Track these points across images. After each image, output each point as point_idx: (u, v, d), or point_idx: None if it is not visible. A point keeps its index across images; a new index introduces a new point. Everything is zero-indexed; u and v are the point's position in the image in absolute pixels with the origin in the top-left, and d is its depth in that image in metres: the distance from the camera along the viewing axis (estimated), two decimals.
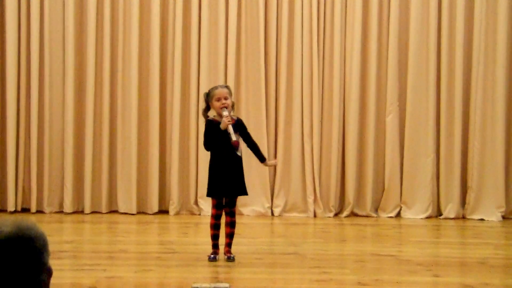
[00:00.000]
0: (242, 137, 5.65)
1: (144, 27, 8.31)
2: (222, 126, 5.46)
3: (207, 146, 5.61)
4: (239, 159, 5.59)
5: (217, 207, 5.65)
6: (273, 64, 8.38)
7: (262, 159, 5.77)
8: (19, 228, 1.73)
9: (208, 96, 5.62)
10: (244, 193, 5.69)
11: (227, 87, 5.68)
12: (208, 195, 5.70)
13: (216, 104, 5.55)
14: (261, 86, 8.30)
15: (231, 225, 5.68)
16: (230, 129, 5.44)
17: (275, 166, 5.77)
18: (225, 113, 5.46)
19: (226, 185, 5.57)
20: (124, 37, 8.30)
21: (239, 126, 5.63)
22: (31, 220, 1.77)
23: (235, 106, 5.86)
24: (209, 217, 5.78)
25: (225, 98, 5.54)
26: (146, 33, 8.32)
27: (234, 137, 5.43)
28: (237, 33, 8.33)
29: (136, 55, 8.26)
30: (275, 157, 8.28)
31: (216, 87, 5.67)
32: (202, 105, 5.75)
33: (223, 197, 5.63)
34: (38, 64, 8.22)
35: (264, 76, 8.31)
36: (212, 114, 5.69)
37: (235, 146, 5.51)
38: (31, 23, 8.19)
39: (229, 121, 5.45)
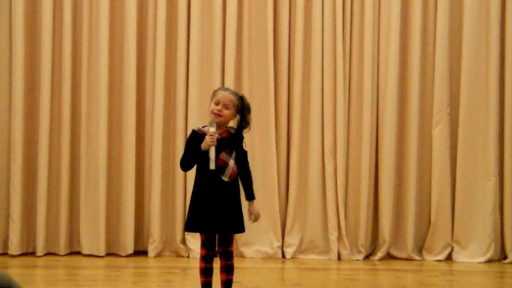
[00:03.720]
0: (236, 159, 5.46)
1: (117, 8, 8.34)
2: (202, 146, 5.29)
3: (183, 164, 5.45)
4: (228, 184, 5.36)
5: (207, 246, 5.38)
6: (285, 62, 8.38)
7: (249, 196, 5.52)
8: None
9: (213, 96, 5.48)
10: (237, 229, 5.43)
11: (240, 96, 5.49)
12: (186, 229, 5.50)
13: (212, 107, 5.39)
14: (269, 87, 8.29)
15: (227, 270, 5.42)
16: (212, 153, 5.25)
17: (254, 216, 5.47)
18: (212, 129, 5.29)
19: (209, 217, 5.33)
20: (90, 21, 8.26)
21: (234, 144, 5.42)
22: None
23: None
24: (199, 259, 5.54)
25: (225, 106, 5.34)
26: (119, 17, 8.31)
27: (212, 165, 5.23)
28: (238, 20, 8.34)
29: (105, 48, 8.18)
30: (288, 181, 8.31)
31: (225, 89, 5.53)
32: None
33: (211, 233, 5.39)
34: None
35: (273, 77, 8.30)
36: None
37: (220, 168, 5.31)
38: None
39: (212, 141, 5.26)
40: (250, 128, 5.60)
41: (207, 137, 5.27)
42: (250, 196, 5.49)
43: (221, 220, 5.33)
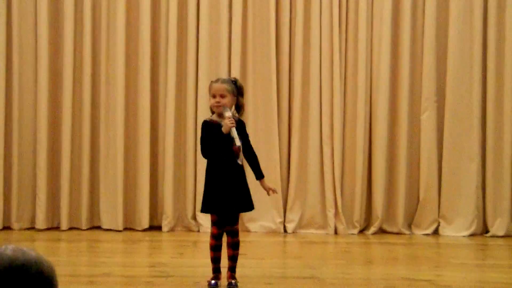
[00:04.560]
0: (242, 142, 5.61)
1: (132, 7, 8.40)
2: (224, 129, 5.44)
3: (204, 153, 5.60)
4: (240, 168, 5.57)
5: (218, 225, 5.62)
6: (286, 53, 8.45)
7: (259, 175, 5.70)
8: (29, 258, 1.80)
9: (209, 89, 5.66)
10: (248, 208, 5.68)
11: (233, 81, 5.65)
12: (203, 210, 5.70)
13: (211, 100, 5.57)
14: (272, 76, 8.36)
15: (234, 246, 5.66)
16: (234, 133, 5.44)
17: (271, 190, 5.65)
18: (228, 113, 5.45)
19: (225, 199, 5.53)
20: (108, 18, 8.36)
21: (240, 129, 5.59)
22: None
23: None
24: (209, 234, 5.76)
25: (222, 96, 5.52)
26: (134, 15, 8.39)
27: (238, 142, 5.44)
28: (243, 18, 8.41)
29: (122, 42, 8.31)
30: (289, 162, 8.40)
31: (216, 80, 5.67)
32: (204, 101, 5.74)
33: (224, 213, 5.59)
34: (5, 56, 8.29)
35: (276, 66, 8.38)
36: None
37: (237, 153, 5.51)
38: None
39: (232, 123, 5.43)
40: (244, 111, 5.70)
41: (226, 121, 5.40)
42: (260, 175, 5.66)
43: (234, 201, 5.52)
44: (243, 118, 5.79)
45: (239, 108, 5.65)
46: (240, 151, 5.53)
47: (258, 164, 5.69)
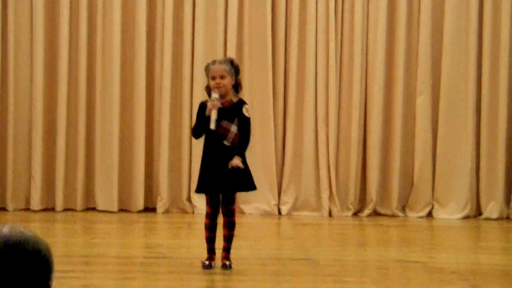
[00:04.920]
0: (237, 124, 5.62)
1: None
2: (206, 112, 5.50)
3: (193, 132, 5.73)
4: (230, 148, 5.57)
5: (211, 205, 5.67)
6: (282, 37, 8.47)
7: (236, 152, 5.60)
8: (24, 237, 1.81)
9: (206, 71, 5.68)
10: (245, 188, 5.74)
11: (230, 61, 5.69)
12: (197, 190, 5.80)
13: (211, 82, 5.59)
14: (268, 62, 8.38)
15: (229, 226, 5.69)
16: (213, 115, 5.45)
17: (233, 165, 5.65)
18: (214, 95, 5.49)
19: (216, 178, 5.57)
20: (104, 5, 8.37)
21: (236, 111, 5.61)
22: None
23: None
24: (204, 216, 5.81)
25: (221, 77, 5.55)
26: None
27: (212, 125, 5.44)
28: (239, 5, 8.43)
29: (118, 23, 8.32)
30: (284, 145, 8.46)
31: (213, 62, 5.70)
32: (199, 83, 5.77)
33: (215, 193, 5.64)
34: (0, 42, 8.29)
35: (271, 51, 8.40)
36: None
37: (223, 135, 5.52)
38: None
39: (213, 105, 5.46)
40: (242, 88, 5.74)
41: (208, 103, 5.49)
42: (237, 152, 5.54)
43: (224, 181, 5.55)
44: (242, 96, 5.81)
45: (237, 86, 5.69)
46: (227, 132, 5.54)
47: (243, 146, 5.64)
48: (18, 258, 1.77)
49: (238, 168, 5.54)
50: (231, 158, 5.52)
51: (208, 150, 5.62)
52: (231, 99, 5.62)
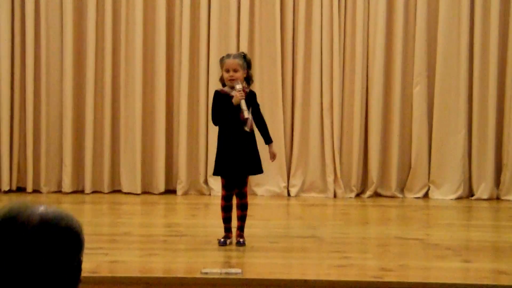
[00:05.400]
0: (252, 112, 5.61)
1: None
2: (234, 100, 5.46)
3: (215, 120, 5.63)
4: (249, 135, 5.58)
5: (227, 188, 5.67)
6: (290, 32, 8.45)
7: (268, 140, 5.72)
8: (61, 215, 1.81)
9: (221, 64, 5.65)
10: (256, 171, 5.71)
11: (243, 56, 5.66)
12: (214, 173, 5.77)
13: (225, 75, 5.57)
14: (277, 55, 8.38)
15: (242, 207, 5.70)
16: (243, 105, 5.45)
17: (273, 156, 5.69)
18: (238, 86, 5.46)
19: (233, 163, 5.56)
20: (128, 1, 8.38)
21: (250, 100, 5.61)
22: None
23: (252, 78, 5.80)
24: (220, 197, 5.82)
25: (235, 70, 5.53)
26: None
27: (246, 114, 5.45)
28: (250, 1, 8.42)
29: (140, 21, 8.33)
30: (292, 132, 8.45)
31: (228, 56, 5.67)
32: (215, 74, 5.75)
33: (232, 176, 5.63)
34: (33, 34, 8.30)
35: (280, 44, 8.40)
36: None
37: (244, 121, 5.51)
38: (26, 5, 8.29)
39: (241, 95, 5.45)
40: (253, 81, 5.72)
41: (236, 93, 5.43)
42: (268, 140, 5.67)
43: (241, 165, 5.55)
44: (252, 88, 5.80)
45: (249, 79, 5.66)
46: (248, 120, 5.52)
47: (267, 130, 5.71)
48: (52, 233, 1.77)
49: (274, 156, 5.70)
50: (249, 143, 5.54)
51: (228, 136, 5.57)
52: (244, 89, 5.58)
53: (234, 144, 5.55)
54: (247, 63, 5.63)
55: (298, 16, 8.40)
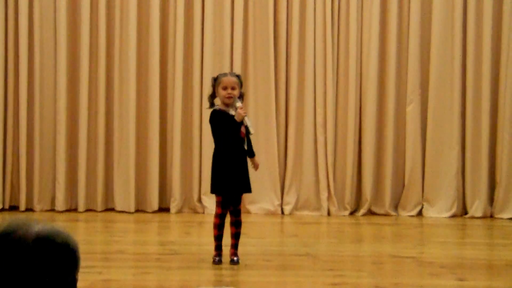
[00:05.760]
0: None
1: (143, 7, 8.39)
2: (237, 118, 5.48)
3: (224, 140, 5.59)
4: (244, 153, 5.62)
5: (223, 206, 5.67)
6: (283, 48, 8.46)
7: (251, 154, 5.73)
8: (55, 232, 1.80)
9: (216, 82, 5.65)
10: (250, 189, 5.73)
11: (238, 76, 5.72)
12: (213, 191, 5.74)
13: (222, 92, 5.58)
14: (270, 73, 8.38)
15: (236, 224, 5.70)
16: (247, 121, 5.49)
17: (257, 166, 5.74)
18: (239, 104, 5.49)
19: (232, 181, 5.59)
20: (121, 17, 8.36)
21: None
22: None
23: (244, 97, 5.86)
24: (213, 215, 5.80)
25: (233, 88, 5.56)
26: (145, 14, 8.38)
27: (252, 130, 5.51)
28: (244, 14, 8.40)
29: (134, 38, 8.31)
30: (286, 150, 8.46)
31: (225, 74, 5.73)
32: (209, 90, 5.77)
33: (231, 194, 5.64)
34: (27, 51, 8.27)
35: (274, 61, 8.40)
36: (217, 102, 5.74)
37: (243, 139, 5.55)
38: (19, 7, 8.26)
39: (244, 112, 5.50)
40: (243, 99, 5.71)
41: (239, 110, 5.45)
42: (252, 154, 5.70)
43: (241, 182, 5.58)
44: (246, 105, 5.86)
45: (242, 97, 5.70)
46: (245, 137, 5.57)
47: (251, 144, 5.74)
48: (49, 249, 1.77)
49: (257, 166, 5.77)
50: (245, 161, 5.61)
51: (227, 154, 5.58)
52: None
53: (234, 162, 5.57)
54: (241, 83, 5.70)
55: (292, 30, 8.40)
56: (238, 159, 5.58)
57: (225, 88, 5.55)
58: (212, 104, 5.68)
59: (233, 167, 5.57)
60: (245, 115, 5.49)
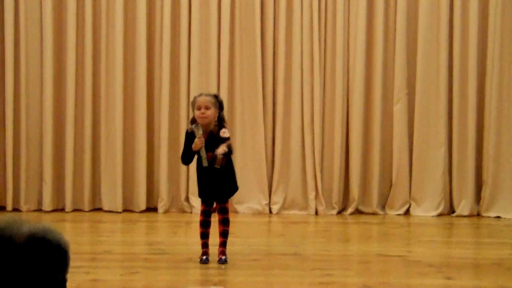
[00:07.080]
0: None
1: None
2: (193, 147, 5.52)
3: (184, 161, 5.76)
4: (217, 169, 5.59)
5: (205, 204, 5.75)
6: (270, 49, 8.46)
7: (213, 162, 5.65)
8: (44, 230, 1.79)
9: (193, 103, 5.67)
10: (231, 192, 5.82)
11: (214, 95, 5.69)
12: (199, 195, 5.89)
13: (196, 112, 5.59)
14: (258, 73, 8.38)
15: (224, 222, 5.72)
16: (203, 153, 5.51)
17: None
18: (199, 132, 5.49)
19: (210, 192, 5.69)
20: (108, 24, 8.35)
21: (216, 139, 5.58)
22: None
23: (229, 115, 5.94)
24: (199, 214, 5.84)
25: (206, 108, 5.54)
26: (131, 17, 8.40)
27: (205, 163, 5.50)
28: (231, 14, 8.40)
29: (121, 38, 8.31)
30: (273, 149, 8.47)
31: (200, 94, 5.72)
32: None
33: (207, 202, 5.75)
34: (13, 50, 8.28)
35: (261, 62, 8.40)
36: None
37: (211, 163, 5.54)
38: (5, 8, 8.26)
39: (201, 142, 5.48)
40: (226, 122, 5.69)
41: (196, 140, 5.47)
42: (213, 162, 5.55)
43: (216, 192, 5.65)
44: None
45: (221, 120, 5.67)
46: (215, 159, 5.52)
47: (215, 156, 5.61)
48: (41, 248, 1.76)
49: (222, 168, 5.57)
50: (221, 173, 5.58)
51: (201, 171, 5.66)
52: (212, 130, 5.60)
53: (210, 178, 5.62)
54: (219, 103, 5.65)
55: (279, 30, 8.40)
56: (209, 174, 5.60)
57: (199, 108, 5.55)
58: (191, 123, 5.66)
59: (208, 181, 5.63)
60: (201, 146, 5.47)
